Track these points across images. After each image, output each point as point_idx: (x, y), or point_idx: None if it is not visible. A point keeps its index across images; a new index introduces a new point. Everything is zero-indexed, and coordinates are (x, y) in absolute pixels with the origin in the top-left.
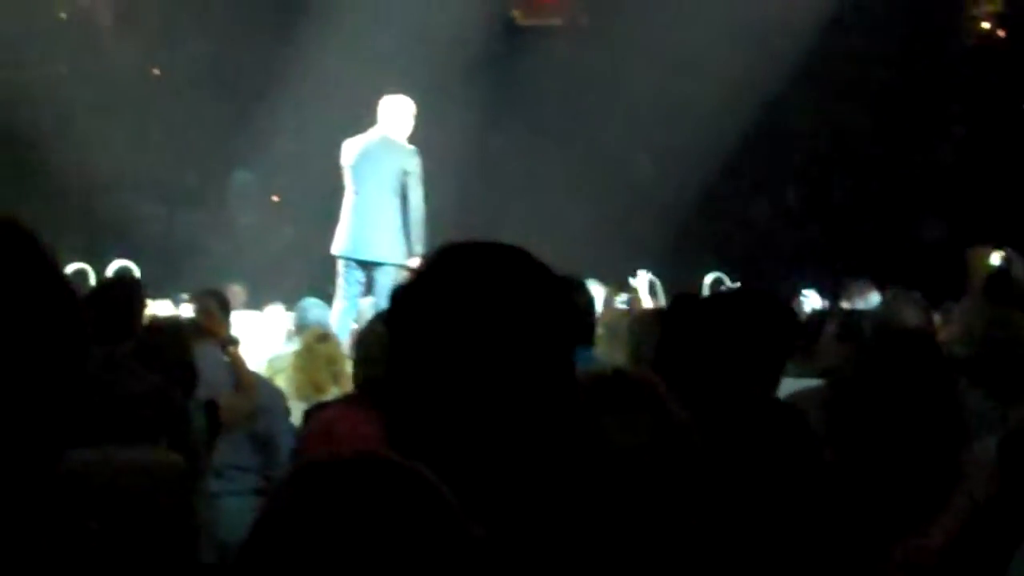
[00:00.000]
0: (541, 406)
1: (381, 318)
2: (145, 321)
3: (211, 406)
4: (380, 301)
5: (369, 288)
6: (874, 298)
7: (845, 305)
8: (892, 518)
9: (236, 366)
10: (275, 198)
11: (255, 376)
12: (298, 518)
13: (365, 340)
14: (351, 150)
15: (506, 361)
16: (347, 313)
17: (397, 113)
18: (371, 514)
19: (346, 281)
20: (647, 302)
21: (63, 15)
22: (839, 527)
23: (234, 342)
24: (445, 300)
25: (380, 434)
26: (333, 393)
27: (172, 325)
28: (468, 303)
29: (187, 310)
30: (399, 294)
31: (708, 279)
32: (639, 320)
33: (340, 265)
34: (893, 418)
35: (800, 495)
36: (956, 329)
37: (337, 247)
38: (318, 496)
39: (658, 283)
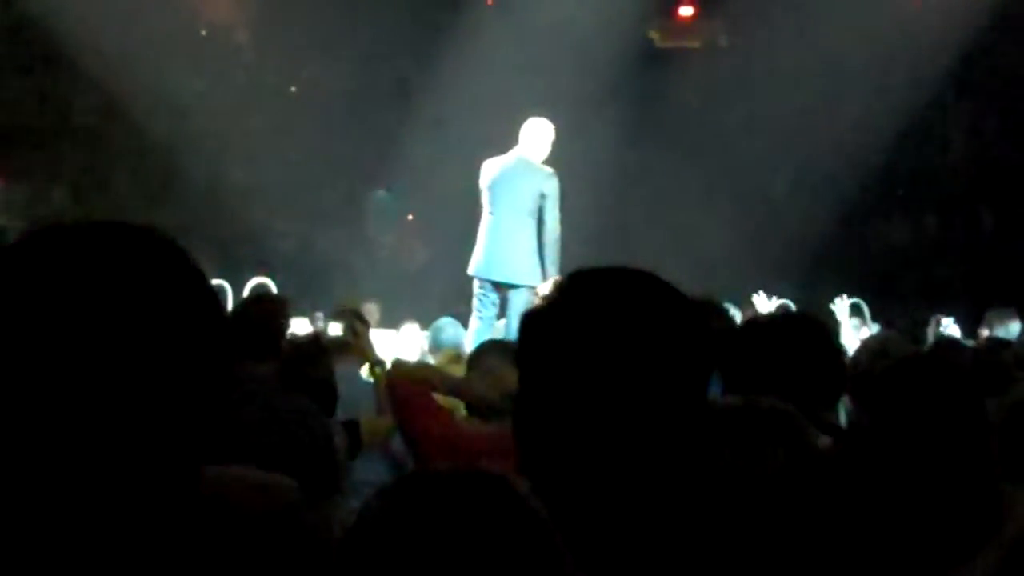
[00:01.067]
0: (671, 434)
1: (492, 344)
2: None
3: (351, 426)
4: (513, 322)
5: (503, 309)
6: (1015, 327)
7: (985, 334)
8: (935, 551)
9: (380, 387)
10: (410, 217)
11: None
12: (388, 529)
13: (475, 362)
14: (490, 171)
15: (634, 389)
16: (482, 333)
17: (537, 136)
18: (462, 527)
19: (481, 302)
20: None
21: (203, 32)
22: (883, 562)
23: (380, 363)
24: (574, 327)
25: (488, 448)
26: (464, 413)
27: (313, 345)
28: (597, 330)
29: (328, 328)
30: (528, 320)
31: (848, 303)
32: None
33: (476, 286)
34: (922, 451)
35: (854, 528)
36: None
37: (473, 268)
38: (410, 507)
39: (792, 307)
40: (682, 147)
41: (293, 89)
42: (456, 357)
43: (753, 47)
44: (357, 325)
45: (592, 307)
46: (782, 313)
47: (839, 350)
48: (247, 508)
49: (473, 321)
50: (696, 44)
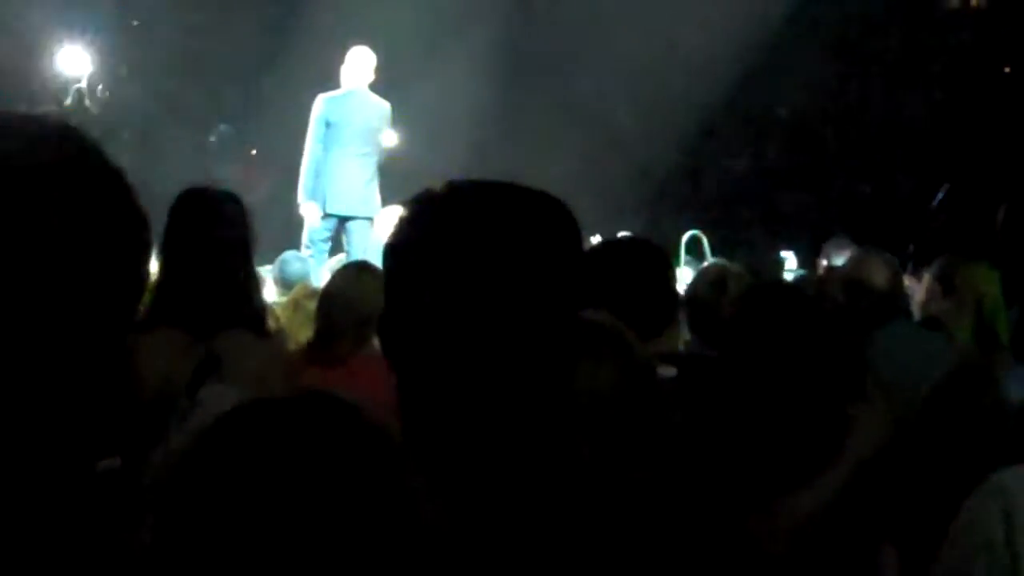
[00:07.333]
0: (547, 352)
1: (356, 267)
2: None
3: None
4: (353, 254)
5: (336, 242)
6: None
7: (823, 264)
8: (777, 473)
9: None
10: (254, 152)
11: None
12: (221, 458)
13: (333, 291)
14: (326, 106)
15: (512, 299)
16: (317, 268)
17: (365, 65)
18: (295, 452)
19: (318, 235)
20: None
21: None
22: (722, 483)
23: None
24: (448, 239)
25: (342, 382)
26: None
27: None
28: (471, 240)
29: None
30: (397, 239)
31: (685, 237)
32: None
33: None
34: (768, 376)
35: (679, 449)
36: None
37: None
38: (240, 436)
39: None
40: (524, 80)
41: (136, 23)
42: (311, 293)
43: None
44: None
45: (462, 219)
46: (617, 239)
47: (671, 277)
48: None
49: (306, 255)
50: None
